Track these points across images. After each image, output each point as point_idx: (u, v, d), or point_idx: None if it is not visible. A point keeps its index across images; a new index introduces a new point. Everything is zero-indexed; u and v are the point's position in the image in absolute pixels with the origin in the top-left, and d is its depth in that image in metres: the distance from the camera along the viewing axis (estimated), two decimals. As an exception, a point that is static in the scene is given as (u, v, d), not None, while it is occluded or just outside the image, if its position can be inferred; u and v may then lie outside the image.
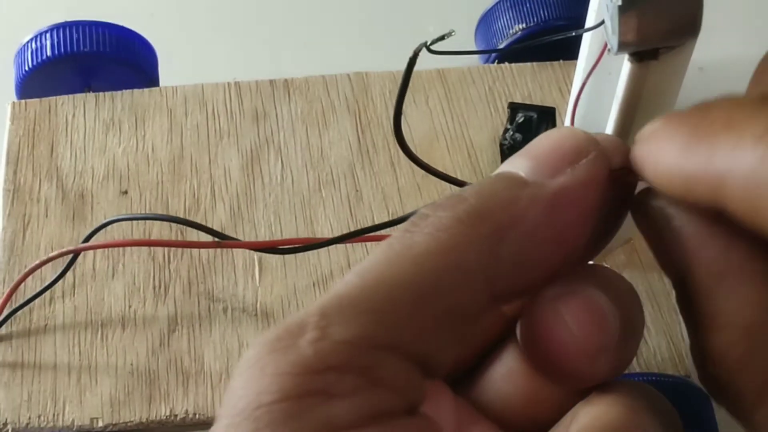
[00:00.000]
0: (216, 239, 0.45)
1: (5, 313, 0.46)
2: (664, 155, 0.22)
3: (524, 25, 0.54)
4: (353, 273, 0.22)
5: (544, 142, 0.24)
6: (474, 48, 0.58)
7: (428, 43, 0.37)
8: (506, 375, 0.25)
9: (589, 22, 0.40)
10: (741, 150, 0.20)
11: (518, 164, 0.23)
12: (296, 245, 0.45)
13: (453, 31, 0.37)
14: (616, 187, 0.24)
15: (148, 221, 0.49)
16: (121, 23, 0.56)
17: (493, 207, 0.22)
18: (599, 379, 0.24)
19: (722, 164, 0.20)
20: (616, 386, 0.24)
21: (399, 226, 0.23)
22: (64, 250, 0.45)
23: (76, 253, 0.46)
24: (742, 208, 0.20)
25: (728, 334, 0.22)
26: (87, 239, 0.46)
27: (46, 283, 0.46)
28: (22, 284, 0.46)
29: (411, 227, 0.22)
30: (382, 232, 0.44)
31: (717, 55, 0.54)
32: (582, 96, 0.44)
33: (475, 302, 0.22)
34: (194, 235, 0.46)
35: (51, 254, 0.46)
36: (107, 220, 0.47)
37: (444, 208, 0.22)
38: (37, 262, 0.46)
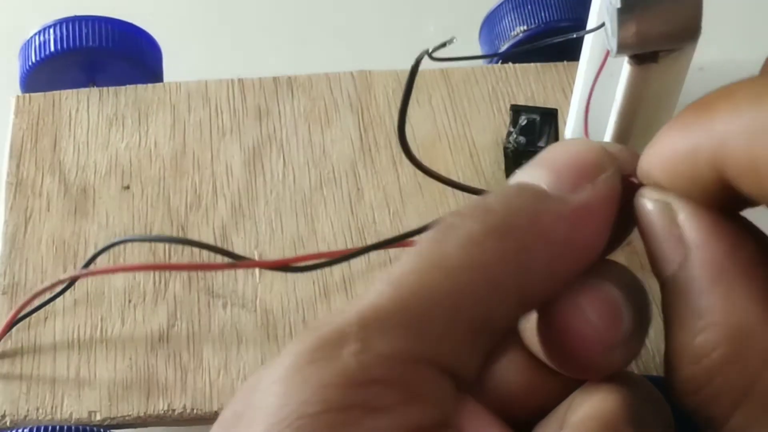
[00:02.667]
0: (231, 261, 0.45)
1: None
2: (667, 145, 0.22)
3: (526, 27, 0.54)
4: (386, 282, 0.22)
5: (563, 154, 0.24)
6: (477, 49, 0.58)
7: (430, 51, 0.37)
8: (508, 364, 0.25)
9: (591, 24, 0.40)
10: (738, 110, 0.20)
11: (540, 176, 0.24)
12: (308, 262, 0.45)
13: (454, 38, 0.37)
14: (625, 194, 0.24)
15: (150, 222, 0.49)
16: (126, 19, 0.56)
17: (521, 221, 0.23)
18: (614, 370, 0.24)
19: (721, 127, 0.21)
20: (613, 376, 0.24)
21: (428, 232, 0.23)
22: (71, 275, 0.45)
23: (75, 279, 0.46)
24: (743, 169, 0.20)
25: (715, 333, 0.22)
26: (92, 258, 0.46)
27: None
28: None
29: (440, 236, 0.23)
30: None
31: (718, 56, 0.54)
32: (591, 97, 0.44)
33: (507, 315, 0.23)
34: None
35: (60, 277, 0.44)
36: (116, 240, 0.46)
37: (473, 218, 0.23)
38: (47, 284, 0.45)
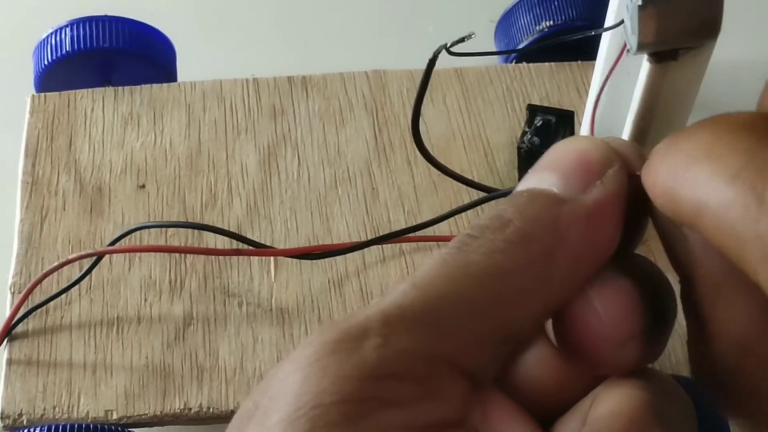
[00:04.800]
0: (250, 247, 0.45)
1: (22, 311, 0.46)
2: (658, 175, 0.22)
3: (551, 22, 0.54)
4: (411, 285, 0.22)
5: (568, 154, 0.24)
6: (490, 48, 0.58)
7: (448, 45, 0.37)
8: (535, 359, 0.25)
9: (609, 21, 0.40)
10: (715, 186, 0.20)
11: (548, 180, 0.23)
12: (327, 251, 0.45)
13: (473, 34, 0.37)
14: (634, 190, 0.24)
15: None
16: (139, 19, 0.56)
17: (539, 229, 0.23)
18: (628, 366, 0.24)
19: (699, 194, 0.21)
20: (637, 372, 0.24)
21: (450, 242, 0.23)
22: (84, 253, 0.45)
23: (97, 257, 0.46)
24: (716, 239, 0.21)
25: (722, 342, 0.22)
26: (111, 244, 0.46)
27: (64, 282, 0.47)
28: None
29: (463, 246, 0.23)
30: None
31: (726, 56, 0.53)
32: (601, 96, 0.44)
33: (529, 319, 0.23)
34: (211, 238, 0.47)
35: (71, 256, 0.46)
36: (135, 226, 0.47)
37: (492, 230, 0.23)
38: (56, 264, 0.46)
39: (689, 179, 0.21)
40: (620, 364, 0.24)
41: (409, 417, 0.21)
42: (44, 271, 0.46)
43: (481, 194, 0.47)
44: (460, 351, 0.22)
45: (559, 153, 0.24)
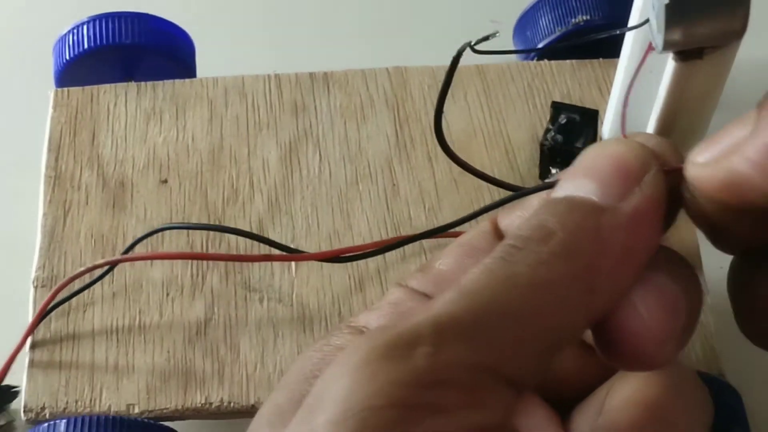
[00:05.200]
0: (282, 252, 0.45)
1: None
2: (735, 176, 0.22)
3: (588, 16, 0.53)
4: (459, 293, 0.23)
5: (604, 160, 0.24)
6: (509, 46, 0.58)
7: (473, 43, 0.37)
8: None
9: (633, 20, 0.40)
10: None
11: (586, 187, 0.24)
12: (358, 252, 0.46)
13: (498, 32, 0.37)
14: (670, 187, 0.24)
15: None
16: (158, 14, 0.56)
17: (581, 241, 0.23)
18: (665, 364, 0.24)
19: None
20: None
21: (494, 252, 0.23)
22: (111, 260, 0.46)
23: (114, 264, 0.46)
24: None
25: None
26: (133, 245, 0.46)
27: (86, 278, 0.47)
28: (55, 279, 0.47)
29: (508, 256, 0.23)
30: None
31: (750, 55, 0.53)
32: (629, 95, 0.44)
33: (574, 330, 0.23)
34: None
35: (97, 262, 0.46)
36: (159, 227, 0.47)
37: (535, 242, 0.23)
38: (82, 269, 0.46)
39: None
40: (658, 363, 0.24)
41: (454, 424, 0.21)
42: (68, 277, 0.46)
43: (502, 191, 0.47)
44: (505, 361, 0.22)
45: (596, 158, 0.24)
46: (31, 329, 0.45)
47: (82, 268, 0.46)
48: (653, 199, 0.23)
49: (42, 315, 0.45)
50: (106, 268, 0.46)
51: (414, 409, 0.21)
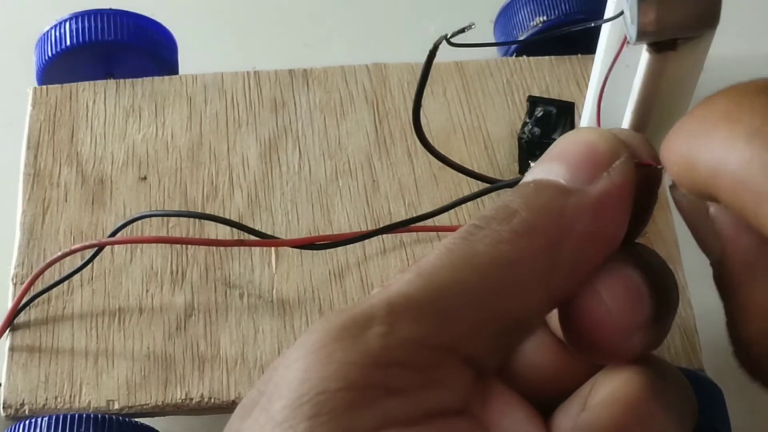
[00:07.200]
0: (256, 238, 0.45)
1: (24, 301, 0.46)
2: (675, 144, 0.22)
3: (545, 17, 0.54)
4: (416, 273, 0.22)
5: (574, 145, 0.24)
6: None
7: (448, 36, 0.37)
8: (533, 346, 0.25)
9: (608, 12, 0.40)
10: (733, 144, 0.20)
11: (555, 171, 0.24)
12: (331, 241, 0.46)
13: (473, 24, 0.37)
14: (643, 180, 0.24)
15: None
16: (140, 12, 0.56)
17: (544, 220, 0.23)
18: (633, 356, 0.24)
19: (717, 155, 0.21)
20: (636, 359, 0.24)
21: (455, 232, 0.23)
22: (88, 243, 0.46)
23: (99, 247, 0.46)
24: (732, 201, 0.21)
25: (758, 324, 0.22)
26: (114, 233, 0.46)
27: (66, 271, 0.47)
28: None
29: (468, 236, 0.23)
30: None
31: (724, 51, 0.54)
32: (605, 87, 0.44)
33: (534, 310, 0.23)
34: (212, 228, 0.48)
35: (74, 246, 0.46)
36: (137, 215, 0.47)
37: (498, 221, 0.23)
38: (59, 254, 0.46)
39: (707, 142, 0.21)
40: (626, 354, 0.24)
41: (412, 405, 0.21)
42: (47, 261, 0.46)
43: (482, 186, 0.47)
44: (464, 340, 0.22)
45: (567, 144, 0.24)
46: (9, 320, 0.45)
47: (59, 253, 0.45)
48: (620, 186, 0.23)
49: (19, 305, 0.45)
50: (85, 260, 0.46)
51: (369, 390, 0.21)
